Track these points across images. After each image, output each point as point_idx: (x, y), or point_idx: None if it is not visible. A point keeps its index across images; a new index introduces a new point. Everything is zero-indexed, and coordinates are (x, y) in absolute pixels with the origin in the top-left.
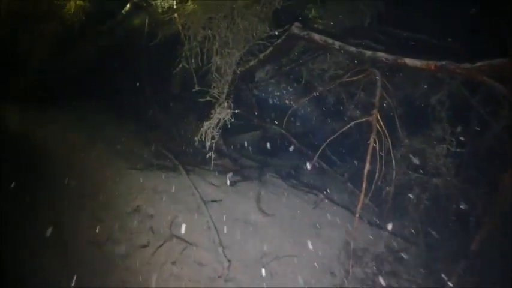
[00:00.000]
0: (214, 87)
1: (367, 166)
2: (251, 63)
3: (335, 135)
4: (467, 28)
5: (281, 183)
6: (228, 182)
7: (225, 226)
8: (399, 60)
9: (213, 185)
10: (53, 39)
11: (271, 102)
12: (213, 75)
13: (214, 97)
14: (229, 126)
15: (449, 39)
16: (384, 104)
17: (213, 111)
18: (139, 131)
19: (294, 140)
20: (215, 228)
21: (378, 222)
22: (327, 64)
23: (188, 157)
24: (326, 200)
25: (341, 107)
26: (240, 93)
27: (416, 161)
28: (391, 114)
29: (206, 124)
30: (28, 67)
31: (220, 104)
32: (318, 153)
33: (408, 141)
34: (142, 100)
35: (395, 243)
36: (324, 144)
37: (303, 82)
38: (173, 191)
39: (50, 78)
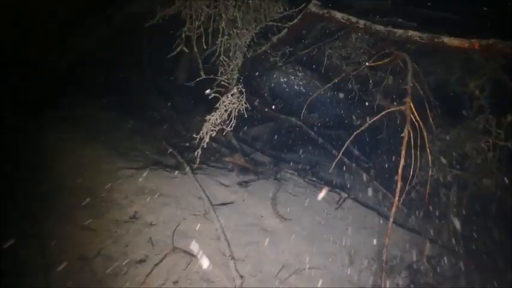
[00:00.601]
0: (222, 72)
1: (402, 162)
2: (263, 48)
3: (363, 127)
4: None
5: (299, 182)
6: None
7: (236, 234)
8: (436, 40)
9: (223, 185)
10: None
11: (287, 90)
12: (220, 59)
13: (223, 85)
14: (245, 115)
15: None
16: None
17: (219, 102)
18: (141, 125)
19: (312, 133)
20: (225, 237)
21: (411, 226)
22: (349, 47)
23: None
24: (350, 200)
25: (366, 96)
26: (251, 81)
27: (454, 156)
28: (423, 102)
29: (208, 117)
30: (25, 60)
31: (229, 93)
32: (343, 148)
33: (444, 134)
34: (144, 92)
35: (431, 250)
36: (351, 138)
37: (323, 68)
38: (177, 193)
39: (47, 71)
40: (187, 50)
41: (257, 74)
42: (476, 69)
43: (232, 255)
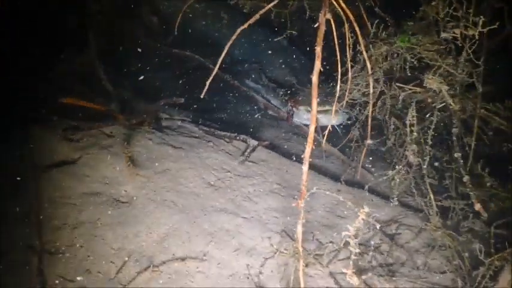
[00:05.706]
0: None
1: (318, 66)
2: None
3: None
4: None
5: (191, 130)
6: None
7: (63, 209)
8: None
9: (68, 140)
10: None
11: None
12: None
13: None
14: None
15: None
16: None
17: None
18: None
19: (214, 68)
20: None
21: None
22: None
23: None
24: (264, 150)
25: None
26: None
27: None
28: None
29: None
30: None
31: None
32: (225, 51)
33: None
34: None
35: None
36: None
37: None
38: None
39: None
40: None
41: None
42: None
43: (43, 247)
